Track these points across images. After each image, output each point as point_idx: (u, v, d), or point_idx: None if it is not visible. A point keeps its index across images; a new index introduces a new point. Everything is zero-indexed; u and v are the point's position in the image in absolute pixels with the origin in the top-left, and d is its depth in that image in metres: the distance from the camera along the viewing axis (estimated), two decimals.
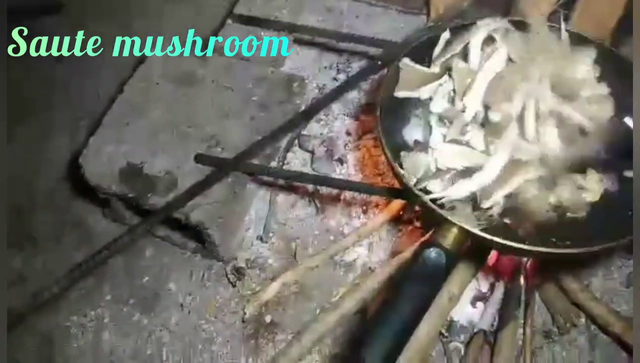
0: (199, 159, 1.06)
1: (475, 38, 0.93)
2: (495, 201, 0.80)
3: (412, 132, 0.96)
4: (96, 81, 1.50)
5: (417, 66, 0.99)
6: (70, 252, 1.23)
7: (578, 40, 0.94)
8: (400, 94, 0.97)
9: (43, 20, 1.64)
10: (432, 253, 0.78)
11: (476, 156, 0.85)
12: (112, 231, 1.23)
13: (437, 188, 0.82)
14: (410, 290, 0.75)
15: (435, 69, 0.99)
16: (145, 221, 0.97)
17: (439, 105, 0.96)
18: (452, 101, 0.95)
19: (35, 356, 1.11)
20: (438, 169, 0.84)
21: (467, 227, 0.77)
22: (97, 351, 1.10)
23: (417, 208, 1.17)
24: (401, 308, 0.74)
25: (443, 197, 0.81)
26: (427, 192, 0.82)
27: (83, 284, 1.15)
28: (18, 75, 1.53)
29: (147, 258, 1.20)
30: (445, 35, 1.00)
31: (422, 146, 0.94)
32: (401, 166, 0.86)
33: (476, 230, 0.77)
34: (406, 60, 0.98)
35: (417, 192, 0.83)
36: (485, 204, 0.80)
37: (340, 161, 1.25)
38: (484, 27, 0.94)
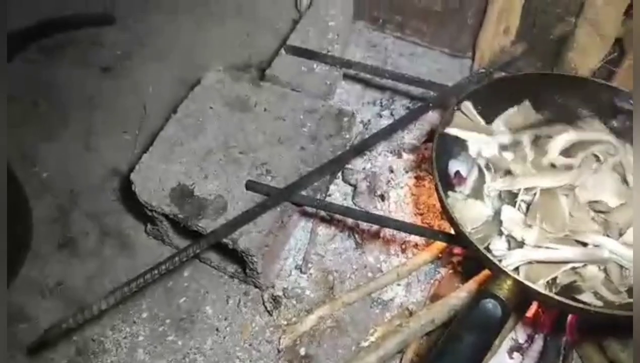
0: (251, 186, 1.06)
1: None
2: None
3: (454, 166, 0.99)
4: (142, 96, 1.52)
5: (477, 115, 1.02)
6: (110, 263, 1.23)
7: None
8: (453, 132, 1.00)
9: (98, 30, 1.68)
10: (489, 304, 0.78)
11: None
12: (152, 247, 1.24)
13: (497, 246, 0.83)
14: (467, 340, 0.76)
15: (498, 126, 1.03)
16: (195, 244, 0.97)
17: (489, 152, 0.99)
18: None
19: None
20: (500, 231, 0.86)
21: (528, 284, 0.78)
22: None
23: (458, 251, 1.18)
24: (457, 359, 0.75)
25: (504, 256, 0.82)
26: (489, 250, 0.83)
27: None
28: (63, 79, 1.57)
29: (185, 278, 1.20)
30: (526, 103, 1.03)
31: (473, 190, 0.97)
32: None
33: (539, 288, 0.77)
34: (467, 104, 1.01)
35: (475, 243, 0.84)
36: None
37: (382, 197, 1.26)
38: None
